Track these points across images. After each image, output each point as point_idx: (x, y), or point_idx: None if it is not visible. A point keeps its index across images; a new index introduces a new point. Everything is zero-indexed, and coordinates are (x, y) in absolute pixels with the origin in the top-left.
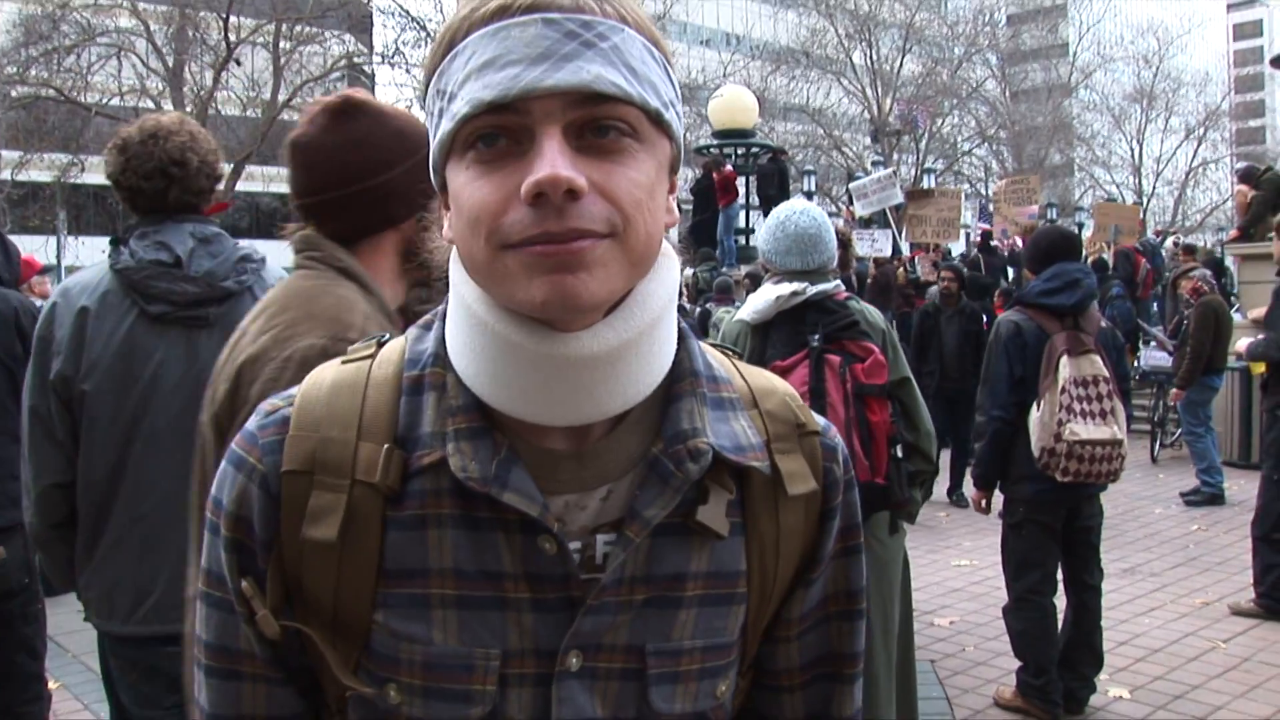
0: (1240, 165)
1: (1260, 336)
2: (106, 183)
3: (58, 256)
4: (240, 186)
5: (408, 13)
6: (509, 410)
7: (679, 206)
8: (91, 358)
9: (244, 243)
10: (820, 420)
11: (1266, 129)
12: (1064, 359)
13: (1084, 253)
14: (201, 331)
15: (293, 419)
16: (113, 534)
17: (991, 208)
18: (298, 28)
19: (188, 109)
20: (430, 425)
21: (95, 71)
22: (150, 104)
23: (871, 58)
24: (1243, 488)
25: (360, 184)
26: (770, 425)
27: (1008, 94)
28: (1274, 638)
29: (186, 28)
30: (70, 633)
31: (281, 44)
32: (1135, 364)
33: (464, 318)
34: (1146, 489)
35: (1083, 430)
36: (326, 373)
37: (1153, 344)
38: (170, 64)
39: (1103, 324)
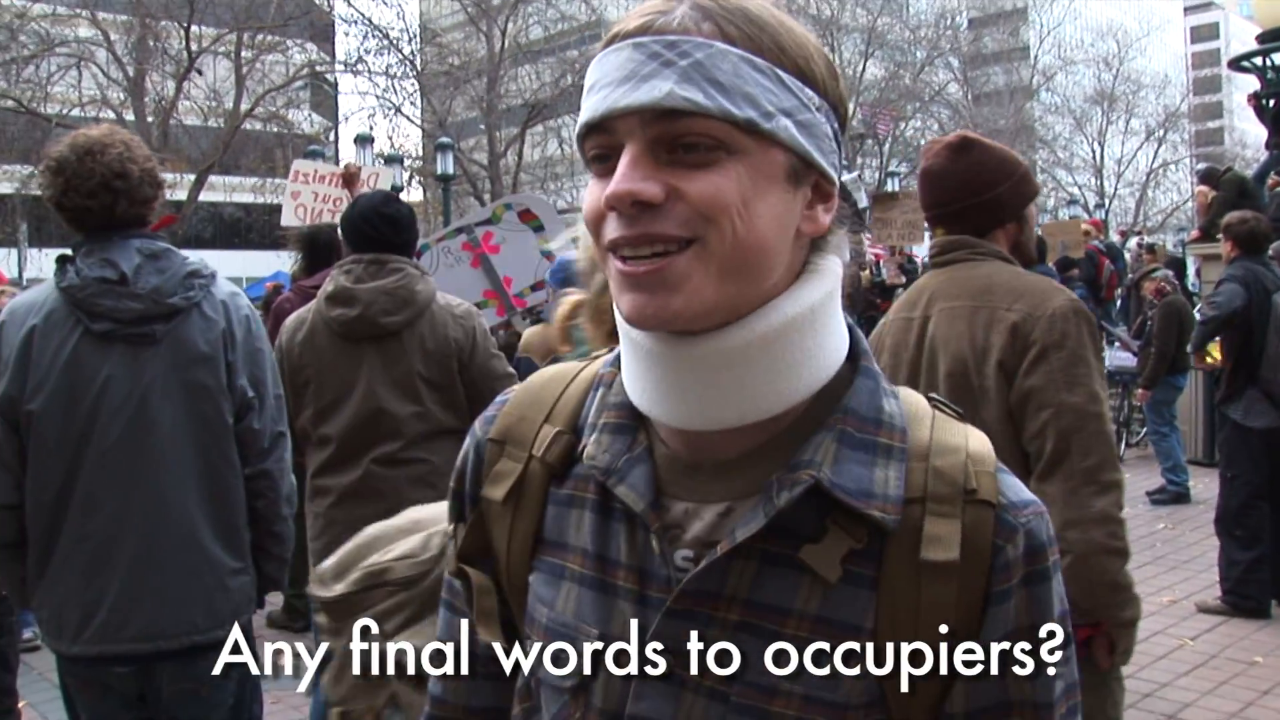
0: (1201, 166)
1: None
2: None
3: (19, 268)
4: (203, 196)
5: (370, 21)
6: (640, 405)
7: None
8: (37, 378)
9: (206, 254)
10: (1016, 496)
11: (1225, 130)
12: None
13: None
14: (147, 348)
15: (510, 400)
16: (61, 553)
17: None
18: (259, 37)
19: (149, 119)
20: (592, 417)
21: (55, 82)
22: (111, 114)
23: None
24: (1208, 486)
25: (977, 197)
26: (932, 483)
27: (970, 97)
28: (1240, 634)
29: (147, 37)
30: (35, 649)
31: (243, 53)
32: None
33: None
34: None
35: None
36: (553, 368)
37: (1117, 344)
38: (131, 74)
39: None
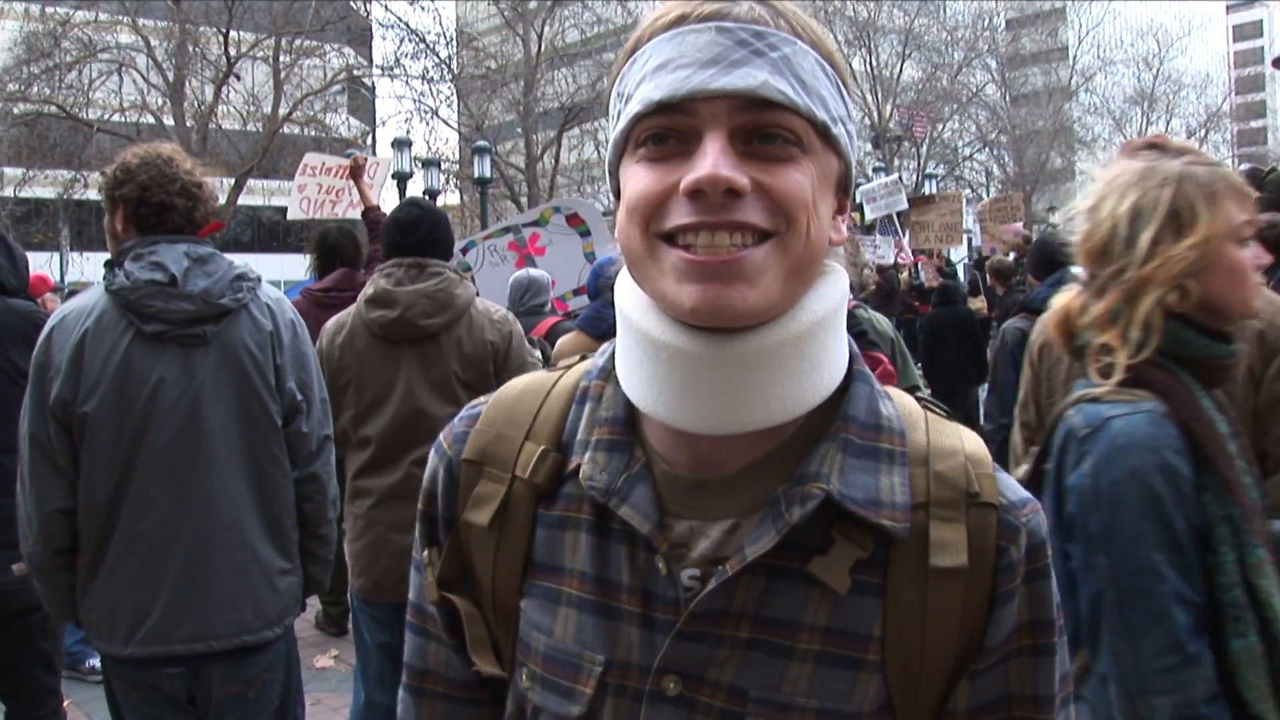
0: (1244, 167)
1: None
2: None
3: (61, 273)
4: (241, 200)
5: (407, 25)
6: (651, 411)
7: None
8: (90, 380)
9: (245, 257)
10: (1014, 496)
11: (1268, 130)
12: None
13: None
14: (198, 350)
15: (482, 415)
16: (114, 556)
17: (978, 228)
18: (297, 41)
19: (189, 124)
20: (581, 434)
21: (97, 88)
22: (151, 119)
23: (871, 64)
24: None
25: None
26: (934, 488)
27: (1008, 98)
28: None
29: (187, 43)
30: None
31: (281, 58)
32: None
33: (621, 322)
34: None
35: None
36: (522, 380)
37: None
38: (171, 79)
39: None
